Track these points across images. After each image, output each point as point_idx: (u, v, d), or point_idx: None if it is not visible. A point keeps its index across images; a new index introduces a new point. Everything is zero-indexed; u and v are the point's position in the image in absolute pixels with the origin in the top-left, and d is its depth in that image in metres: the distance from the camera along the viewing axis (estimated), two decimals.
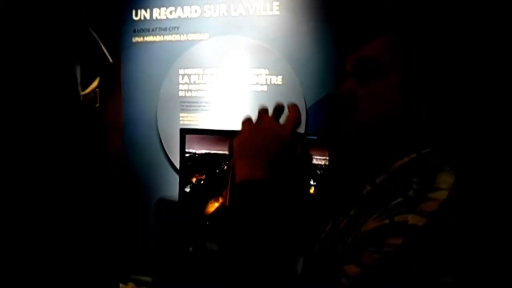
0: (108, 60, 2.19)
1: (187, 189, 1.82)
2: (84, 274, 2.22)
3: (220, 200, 1.78)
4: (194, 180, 1.82)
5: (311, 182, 1.63)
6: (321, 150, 1.62)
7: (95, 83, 2.27)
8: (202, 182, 1.81)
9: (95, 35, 2.14)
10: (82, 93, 2.22)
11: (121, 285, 2.20)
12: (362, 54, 0.82)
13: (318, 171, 1.62)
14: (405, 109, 0.79)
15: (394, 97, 0.79)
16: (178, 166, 1.93)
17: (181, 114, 2.11)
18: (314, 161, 1.63)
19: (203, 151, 1.79)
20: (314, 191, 1.65)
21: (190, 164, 1.80)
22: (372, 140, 0.81)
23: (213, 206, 1.79)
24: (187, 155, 1.81)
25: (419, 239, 0.65)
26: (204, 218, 1.80)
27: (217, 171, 1.78)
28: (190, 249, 2.08)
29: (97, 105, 2.40)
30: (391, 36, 0.81)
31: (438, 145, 0.81)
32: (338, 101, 0.85)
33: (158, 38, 2.14)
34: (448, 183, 0.73)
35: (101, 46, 2.16)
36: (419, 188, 0.73)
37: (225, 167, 1.75)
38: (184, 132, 1.85)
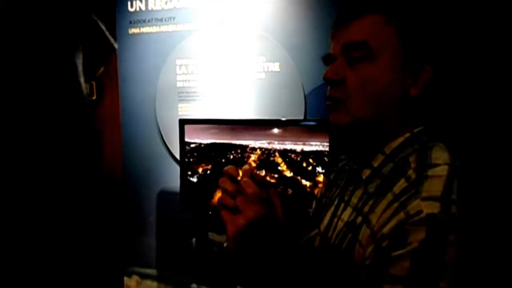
0: (113, 46, 2.18)
1: (194, 179, 1.81)
2: (88, 269, 2.22)
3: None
4: (200, 170, 1.81)
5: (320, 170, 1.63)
6: (321, 136, 1.61)
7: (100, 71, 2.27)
8: (208, 172, 1.80)
9: (98, 21, 2.13)
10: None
11: (125, 278, 2.20)
12: (351, 38, 0.80)
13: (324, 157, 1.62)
14: (395, 91, 0.79)
15: (384, 80, 0.79)
16: (178, 157, 1.92)
17: (179, 105, 2.10)
18: (316, 148, 1.62)
19: (209, 141, 1.78)
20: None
21: (196, 154, 1.80)
22: (366, 124, 0.81)
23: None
24: (192, 145, 1.80)
25: (441, 227, 0.64)
26: (211, 208, 1.79)
27: (223, 160, 1.77)
28: (193, 240, 2.08)
29: (94, 97, 2.39)
30: (379, 16, 0.80)
31: (430, 123, 0.82)
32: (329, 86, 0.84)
33: (154, 29, 2.12)
34: (444, 159, 0.74)
35: (105, 33, 2.16)
36: (417, 167, 0.74)
37: (231, 157, 1.74)
38: (183, 122, 1.84)
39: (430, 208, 0.65)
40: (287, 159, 1.68)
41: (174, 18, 2.08)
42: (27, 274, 2.13)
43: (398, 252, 0.65)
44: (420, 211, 0.66)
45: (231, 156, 1.75)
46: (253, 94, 1.93)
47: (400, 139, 0.81)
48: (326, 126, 1.60)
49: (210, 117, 1.99)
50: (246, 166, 0.77)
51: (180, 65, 2.08)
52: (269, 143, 1.69)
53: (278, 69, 1.88)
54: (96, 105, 2.41)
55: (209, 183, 1.80)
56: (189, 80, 2.07)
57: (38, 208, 2.27)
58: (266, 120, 1.76)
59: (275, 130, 1.67)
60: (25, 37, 2.27)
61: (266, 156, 1.70)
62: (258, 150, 1.71)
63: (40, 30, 2.33)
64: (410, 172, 0.74)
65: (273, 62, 1.89)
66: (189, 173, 1.83)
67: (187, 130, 1.82)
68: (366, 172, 0.83)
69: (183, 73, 2.08)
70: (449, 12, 1.42)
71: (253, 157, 1.72)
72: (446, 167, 0.72)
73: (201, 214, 1.90)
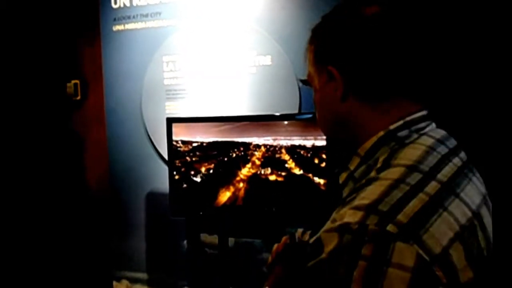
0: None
1: (197, 179, 1.75)
2: (76, 274, 2.15)
3: (232, 189, 1.71)
4: (203, 169, 1.75)
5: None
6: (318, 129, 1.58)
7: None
8: (211, 171, 1.74)
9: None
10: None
11: (114, 283, 2.12)
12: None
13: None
14: (332, 103, 0.79)
15: (321, 99, 0.81)
16: (166, 157, 1.86)
17: (167, 103, 2.04)
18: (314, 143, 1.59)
19: (211, 140, 1.72)
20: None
21: (199, 153, 1.74)
22: (334, 140, 0.85)
23: (224, 196, 1.72)
24: (194, 144, 1.74)
25: (351, 238, 0.57)
26: (215, 208, 1.73)
27: (226, 159, 1.71)
28: (185, 242, 2.02)
29: (78, 97, 2.32)
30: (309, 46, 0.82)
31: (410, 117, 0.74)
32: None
33: (139, 25, 2.07)
34: (408, 158, 0.66)
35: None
36: (379, 168, 0.67)
37: (234, 155, 1.69)
38: (171, 121, 1.79)
39: (351, 217, 0.59)
40: (296, 156, 1.63)
41: (160, 14, 2.02)
42: (15, 281, 2.05)
43: (312, 262, 0.61)
44: (341, 220, 0.60)
45: (234, 154, 1.70)
46: (245, 90, 1.89)
47: (373, 139, 0.73)
48: None
49: (200, 115, 1.93)
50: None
51: (167, 62, 2.02)
52: (274, 140, 1.64)
53: (270, 63, 1.84)
54: (80, 105, 2.34)
55: (212, 182, 1.75)
56: (177, 78, 2.02)
57: (22, 213, 2.20)
58: (259, 116, 1.71)
59: (281, 126, 1.62)
60: (7, 37, 2.20)
61: (272, 154, 1.65)
62: (262, 148, 1.66)
63: (21, 29, 2.26)
64: (373, 173, 0.67)
65: (265, 55, 1.84)
66: (192, 172, 1.76)
67: (188, 128, 1.76)
68: (343, 176, 0.79)
69: (171, 70, 2.02)
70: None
71: (257, 154, 1.67)
72: (402, 169, 0.64)
73: (193, 215, 1.84)
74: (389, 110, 0.73)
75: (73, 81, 2.33)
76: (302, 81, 0.88)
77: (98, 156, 2.29)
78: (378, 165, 0.68)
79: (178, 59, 2.00)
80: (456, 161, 0.69)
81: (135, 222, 2.13)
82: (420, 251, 0.54)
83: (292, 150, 1.63)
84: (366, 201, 0.60)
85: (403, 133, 0.71)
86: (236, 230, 1.81)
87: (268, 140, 1.65)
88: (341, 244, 0.57)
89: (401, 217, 0.56)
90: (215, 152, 1.72)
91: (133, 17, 2.07)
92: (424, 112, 0.74)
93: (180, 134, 1.76)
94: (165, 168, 1.97)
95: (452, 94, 1.49)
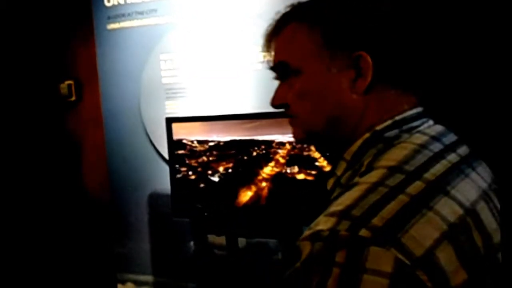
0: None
1: (215, 179, 1.71)
2: (80, 278, 2.13)
3: (253, 188, 1.67)
4: (221, 169, 1.71)
5: None
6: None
7: None
8: (230, 170, 1.70)
9: None
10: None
11: (119, 286, 2.10)
12: (272, 61, 0.78)
13: None
14: (336, 92, 0.71)
15: (318, 87, 0.72)
16: (167, 156, 1.83)
17: (166, 102, 2.00)
18: None
19: (228, 138, 1.67)
20: None
21: (216, 152, 1.70)
22: (322, 135, 0.75)
23: (245, 195, 1.68)
24: (211, 143, 1.70)
25: (323, 245, 0.54)
26: (236, 209, 1.69)
27: (246, 158, 1.67)
28: (191, 243, 1.99)
29: (73, 98, 2.27)
30: (292, 25, 0.74)
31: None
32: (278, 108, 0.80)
33: (135, 23, 2.02)
34: (392, 159, 0.62)
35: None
36: (364, 171, 0.64)
37: (254, 153, 1.65)
38: (171, 121, 1.75)
39: (323, 224, 0.56)
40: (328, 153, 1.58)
41: (156, 11, 1.97)
42: (17, 285, 2.03)
43: (288, 272, 0.58)
44: (315, 227, 0.57)
45: (255, 153, 1.66)
46: (249, 87, 1.85)
47: (359, 142, 0.70)
48: None
49: (202, 114, 1.89)
50: None
51: (165, 60, 1.98)
52: None
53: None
54: (75, 106, 2.29)
55: (232, 182, 1.70)
56: (175, 76, 1.97)
57: (21, 217, 2.16)
58: (266, 113, 1.67)
59: None
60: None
61: (299, 151, 1.59)
62: (287, 145, 1.60)
63: (13, 29, 2.20)
64: (356, 179, 0.64)
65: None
66: (210, 172, 1.72)
67: (203, 127, 1.72)
68: (330, 182, 0.75)
69: (169, 69, 1.98)
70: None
71: (281, 152, 1.62)
72: (382, 171, 0.60)
73: (198, 216, 1.81)
74: (372, 113, 0.70)
75: (66, 82, 2.28)
76: (273, 67, 0.78)
77: (96, 158, 2.25)
78: (362, 169, 0.65)
79: (176, 57, 1.96)
80: (452, 157, 0.65)
81: (138, 223, 2.10)
82: (399, 255, 0.50)
83: None
84: (340, 207, 0.57)
85: (392, 133, 0.68)
86: (258, 230, 1.77)
87: None
88: (313, 252, 0.54)
89: (375, 220, 0.53)
90: (234, 151, 1.68)
91: (128, 15, 2.02)
92: (419, 109, 0.71)
93: (196, 133, 1.71)
94: (166, 168, 1.94)
95: (453, 89, 1.48)
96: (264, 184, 1.65)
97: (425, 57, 0.70)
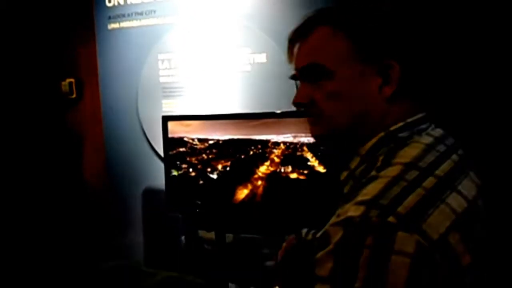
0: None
1: (214, 176, 1.75)
2: (72, 271, 2.15)
3: (249, 186, 1.70)
4: (220, 167, 1.74)
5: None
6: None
7: None
8: (228, 168, 1.73)
9: None
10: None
11: None
12: (301, 63, 0.82)
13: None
14: (366, 96, 0.77)
15: (349, 91, 0.78)
16: (162, 154, 1.87)
17: (163, 101, 2.04)
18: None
19: (227, 137, 1.71)
20: None
21: (216, 151, 1.73)
22: (344, 133, 0.81)
23: (242, 193, 1.71)
24: (210, 142, 1.74)
25: (354, 229, 0.62)
26: (233, 206, 1.73)
27: (243, 156, 1.70)
28: (182, 238, 2.03)
29: (74, 96, 2.32)
30: (325, 29, 0.79)
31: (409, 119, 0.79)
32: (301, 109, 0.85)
33: (134, 23, 2.07)
34: (406, 156, 0.71)
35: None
36: (379, 167, 0.72)
37: (251, 152, 1.68)
38: (166, 119, 1.79)
39: (354, 211, 0.64)
40: (319, 153, 1.60)
41: (154, 11, 2.02)
42: (12, 278, 2.06)
43: (320, 253, 0.65)
44: (345, 214, 0.65)
45: (251, 152, 1.69)
46: (240, 88, 1.89)
47: (374, 140, 0.78)
48: None
49: (196, 113, 1.93)
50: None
51: (163, 60, 2.02)
52: (294, 137, 1.62)
53: (265, 60, 1.84)
54: (76, 104, 2.34)
55: (229, 180, 1.74)
56: (172, 75, 2.02)
57: (19, 212, 2.20)
58: (259, 113, 1.71)
59: (301, 122, 1.56)
60: (0, 36, 2.20)
61: (292, 151, 1.63)
62: (281, 145, 1.64)
63: (15, 28, 2.25)
64: (373, 172, 0.72)
65: (260, 53, 1.85)
66: (209, 169, 1.75)
67: (203, 126, 1.75)
68: (344, 174, 0.83)
69: (166, 68, 2.02)
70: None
71: (276, 152, 1.65)
72: (400, 167, 0.69)
73: (191, 212, 1.85)
74: (389, 115, 0.78)
75: (68, 80, 2.33)
76: (303, 67, 0.81)
77: (95, 154, 2.30)
78: (378, 164, 0.72)
79: (173, 57, 2.01)
80: (454, 157, 0.73)
81: (133, 218, 2.14)
82: (420, 239, 0.59)
83: (315, 147, 1.60)
84: (367, 197, 0.65)
85: (405, 134, 0.76)
86: (246, 227, 1.81)
87: (288, 137, 1.62)
88: (346, 236, 0.63)
89: (400, 209, 0.61)
90: (232, 150, 1.71)
91: (128, 15, 2.07)
92: (423, 114, 0.79)
93: (196, 132, 1.74)
94: (161, 165, 1.97)
95: (451, 95, 1.51)
96: (259, 182, 1.69)
97: (439, 72, 0.79)
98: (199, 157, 1.76)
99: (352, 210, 0.64)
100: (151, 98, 2.06)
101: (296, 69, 0.84)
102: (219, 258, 1.83)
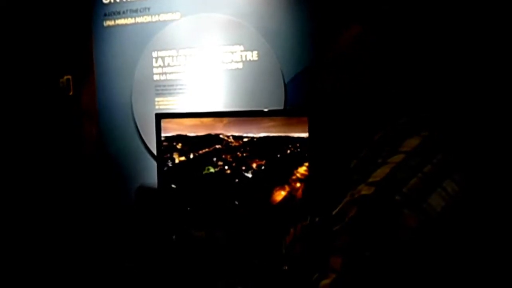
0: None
1: (249, 175, 1.71)
2: (64, 270, 2.15)
3: (287, 188, 1.63)
4: (254, 165, 1.70)
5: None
6: (300, 124, 1.56)
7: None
8: (263, 167, 1.68)
9: None
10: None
11: None
12: (339, 48, 0.94)
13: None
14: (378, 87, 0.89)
15: (367, 80, 0.90)
16: (155, 151, 1.86)
17: (156, 99, 2.04)
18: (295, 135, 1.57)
19: (262, 135, 1.66)
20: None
21: (249, 149, 1.69)
22: (353, 113, 0.94)
23: (279, 195, 1.65)
24: (245, 139, 1.69)
25: (368, 206, 0.74)
26: (271, 207, 1.66)
27: (279, 155, 1.65)
28: (173, 237, 2.01)
29: (71, 93, 2.32)
30: (361, 26, 0.91)
31: (414, 113, 0.88)
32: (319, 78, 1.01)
33: (129, 21, 2.07)
34: (409, 146, 0.81)
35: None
36: (385, 155, 0.82)
37: (288, 151, 1.63)
38: (160, 116, 1.78)
39: (366, 191, 0.75)
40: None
41: (149, 9, 2.02)
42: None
43: (336, 227, 0.77)
44: (358, 193, 0.76)
45: (288, 151, 1.61)
46: (231, 85, 1.88)
47: (381, 133, 0.89)
48: (306, 114, 1.53)
49: (189, 110, 1.93)
50: None
51: (156, 58, 2.02)
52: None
53: (257, 58, 1.83)
54: (73, 100, 2.34)
55: (266, 180, 1.68)
56: (166, 73, 2.01)
57: (14, 210, 2.21)
58: (248, 111, 1.69)
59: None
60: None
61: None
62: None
63: (13, 25, 2.27)
64: (380, 160, 0.82)
65: (251, 51, 1.84)
66: (244, 168, 1.70)
67: (237, 123, 1.71)
68: (354, 162, 0.92)
69: (160, 66, 2.02)
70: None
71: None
72: (403, 155, 0.79)
73: (182, 211, 1.83)
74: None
75: (65, 76, 2.33)
76: None
77: (91, 150, 2.30)
78: (384, 153, 0.83)
79: (166, 55, 2.00)
80: (445, 149, 0.82)
81: (125, 215, 2.14)
82: (421, 216, 0.71)
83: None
84: (377, 179, 0.77)
85: (406, 127, 0.86)
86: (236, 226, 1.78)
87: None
88: (360, 212, 0.74)
89: (405, 190, 0.73)
90: (267, 148, 1.65)
91: (123, 12, 2.07)
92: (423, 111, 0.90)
93: (230, 129, 1.71)
94: (154, 164, 1.97)
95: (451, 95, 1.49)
96: (298, 184, 1.62)
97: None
98: (233, 155, 1.71)
99: (364, 190, 0.76)
100: (145, 96, 2.06)
101: (331, 55, 0.99)
102: (209, 256, 1.82)
